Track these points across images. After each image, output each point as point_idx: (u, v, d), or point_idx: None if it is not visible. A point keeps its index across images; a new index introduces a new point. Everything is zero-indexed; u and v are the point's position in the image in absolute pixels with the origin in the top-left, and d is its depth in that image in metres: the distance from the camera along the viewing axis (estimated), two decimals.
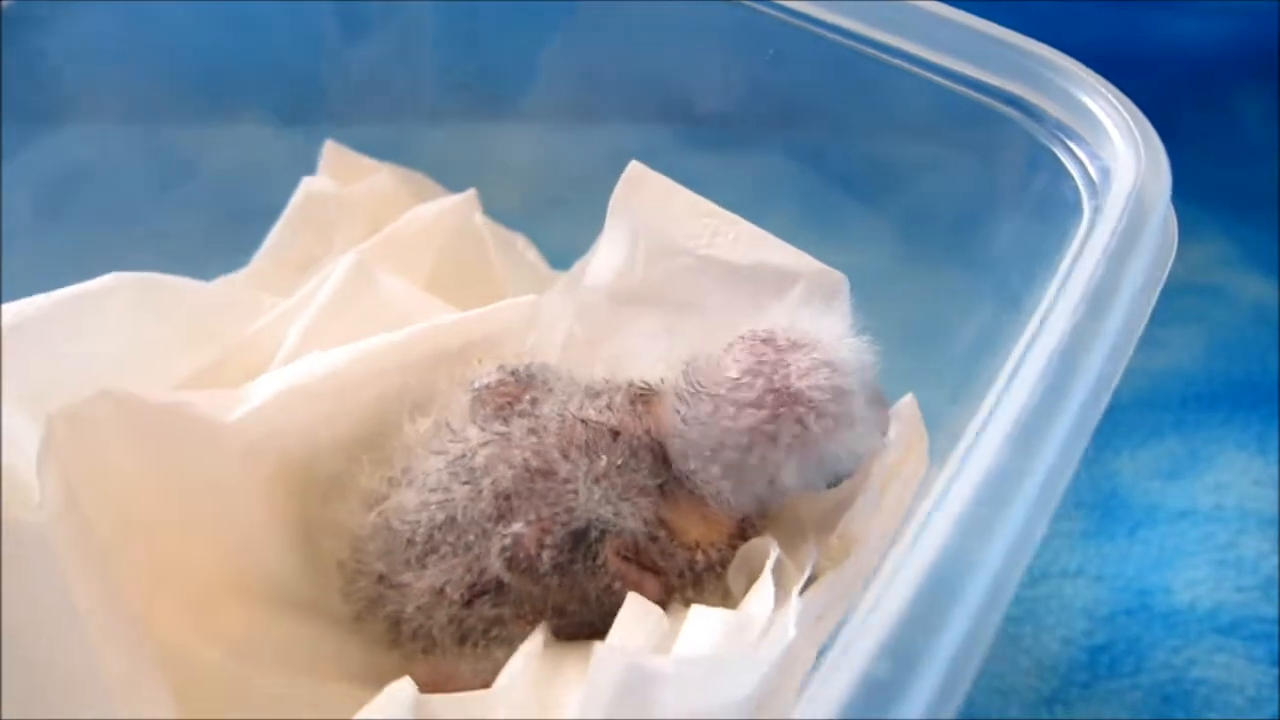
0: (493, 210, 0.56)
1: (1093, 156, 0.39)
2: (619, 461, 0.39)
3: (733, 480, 0.39)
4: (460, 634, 0.40)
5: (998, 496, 0.27)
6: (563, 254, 0.54)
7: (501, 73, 0.59)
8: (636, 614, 0.37)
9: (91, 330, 0.44)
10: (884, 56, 0.44)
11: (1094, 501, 0.56)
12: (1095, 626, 0.50)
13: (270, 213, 0.56)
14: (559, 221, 0.58)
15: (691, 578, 0.40)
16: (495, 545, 0.38)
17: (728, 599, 0.40)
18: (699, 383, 0.39)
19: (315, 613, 0.44)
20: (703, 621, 0.37)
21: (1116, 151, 0.38)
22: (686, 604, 0.39)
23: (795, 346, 0.39)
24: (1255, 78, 0.73)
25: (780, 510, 0.41)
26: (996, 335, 0.36)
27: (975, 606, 0.25)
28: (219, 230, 0.57)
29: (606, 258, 0.46)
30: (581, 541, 0.38)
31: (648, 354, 0.42)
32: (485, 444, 0.40)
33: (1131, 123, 0.38)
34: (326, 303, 0.47)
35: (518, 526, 0.38)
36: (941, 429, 0.40)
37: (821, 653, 0.34)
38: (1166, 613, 0.51)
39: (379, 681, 0.38)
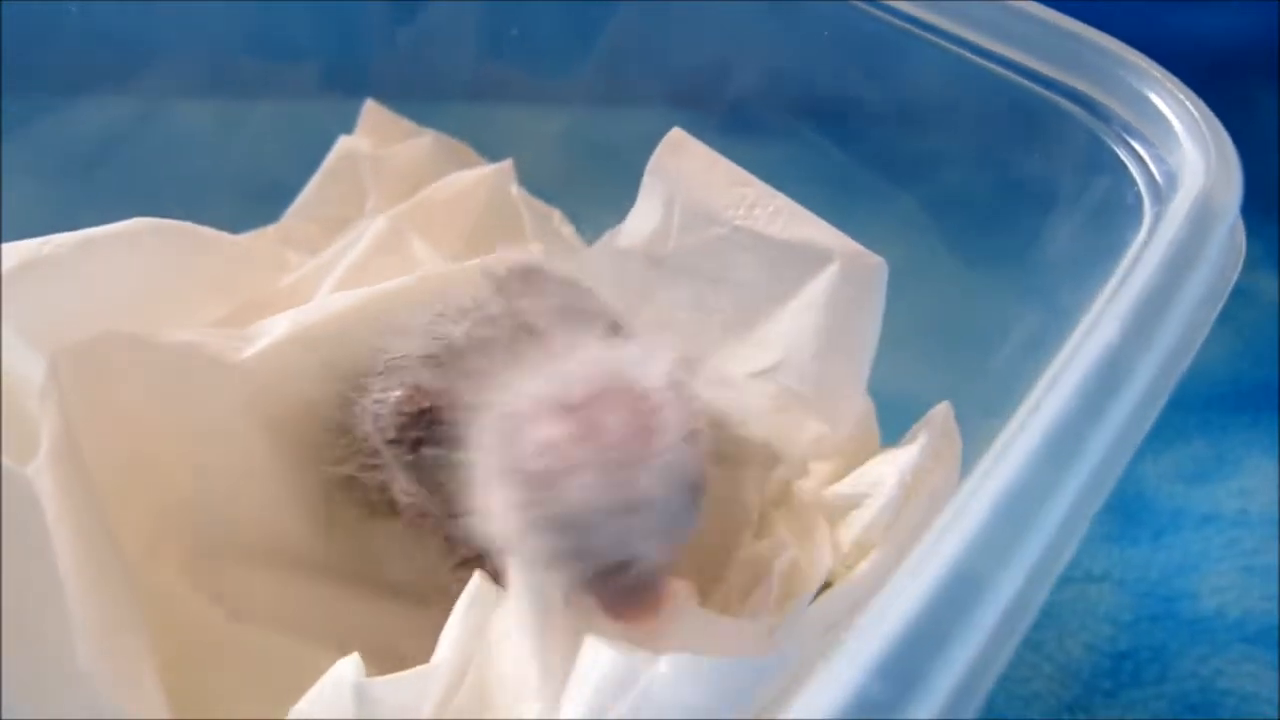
0: (527, 188, 0.54)
1: (1158, 159, 0.35)
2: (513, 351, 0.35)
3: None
4: (384, 500, 0.38)
5: (1021, 514, 0.24)
6: (596, 234, 0.51)
7: (542, 52, 0.57)
8: None
9: (113, 273, 0.41)
10: (938, 40, 0.41)
11: (1117, 505, 0.53)
12: (1119, 632, 0.48)
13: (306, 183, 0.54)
14: (593, 201, 0.55)
15: None
16: (368, 406, 0.36)
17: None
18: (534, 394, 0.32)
19: (320, 574, 0.41)
20: (698, 623, 0.33)
21: (1184, 154, 0.34)
22: None
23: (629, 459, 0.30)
24: (1277, 72, 0.69)
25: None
26: (1041, 346, 0.32)
27: (988, 630, 0.22)
28: (254, 199, 0.55)
29: (640, 221, 0.44)
30: (436, 424, 0.35)
31: (675, 325, 0.40)
32: (440, 315, 0.38)
33: (1203, 124, 0.35)
34: (356, 263, 0.45)
35: (395, 389, 0.36)
36: (977, 443, 0.37)
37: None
38: (1192, 620, 0.48)
39: (384, 650, 0.36)
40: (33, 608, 0.31)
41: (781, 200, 0.42)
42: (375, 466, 0.38)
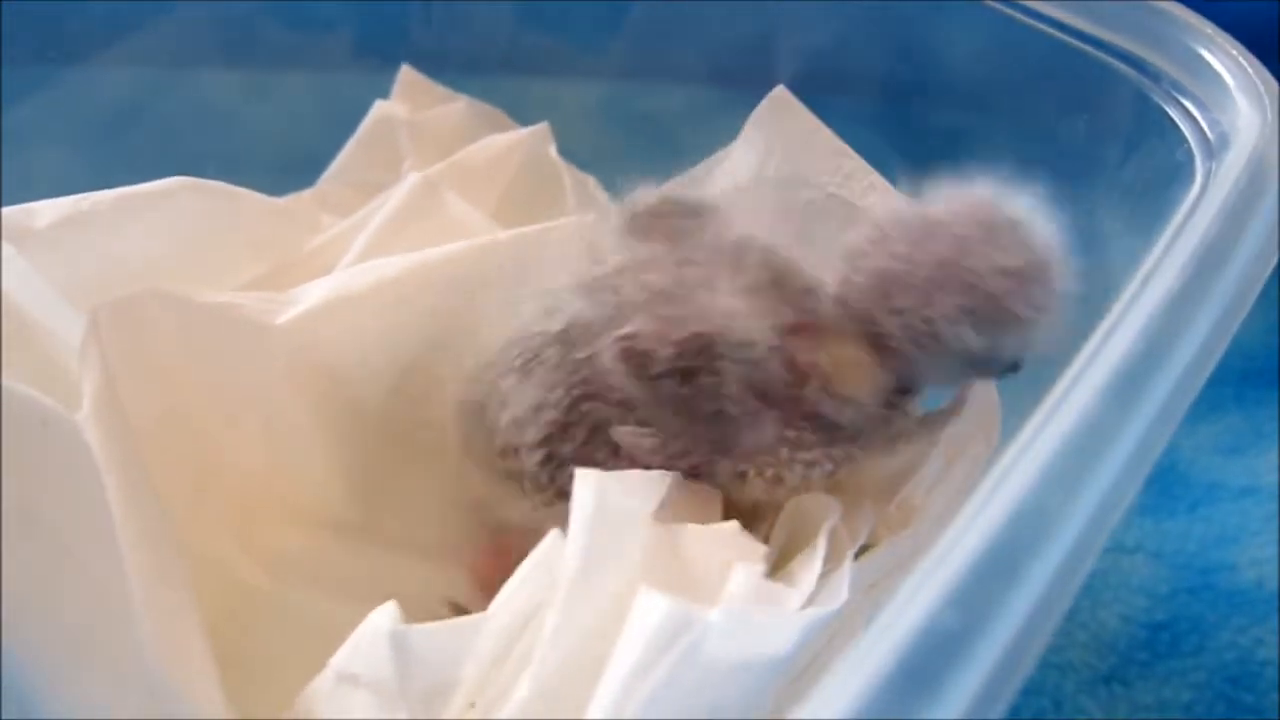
0: (562, 159, 0.53)
1: (1210, 119, 0.34)
2: (768, 278, 0.34)
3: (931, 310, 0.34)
4: (548, 468, 0.36)
5: (1090, 448, 0.25)
6: None
7: (578, 23, 0.57)
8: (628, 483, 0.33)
9: (150, 230, 0.41)
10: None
11: (1151, 476, 0.51)
12: (1155, 604, 0.47)
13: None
14: (628, 174, 0.55)
15: (826, 427, 0.35)
16: (611, 344, 0.34)
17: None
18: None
19: (361, 536, 0.41)
20: (745, 580, 0.32)
21: (1238, 111, 0.33)
22: (794, 459, 0.35)
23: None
24: None
25: (922, 389, 0.37)
26: (1084, 310, 0.32)
27: (1057, 562, 0.22)
28: (285, 171, 0.55)
29: (734, 171, 0.44)
30: (705, 352, 0.33)
31: None
32: (624, 266, 0.36)
33: (1257, 79, 0.34)
34: (390, 219, 0.45)
35: (639, 322, 0.34)
36: (1017, 413, 0.37)
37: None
38: (1231, 591, 0.47)
39: (424, 610, 0.35)
40: (89, 558, 0.31)
41: (876, 178, 0.42)
42: (564, 441, 0.36)
